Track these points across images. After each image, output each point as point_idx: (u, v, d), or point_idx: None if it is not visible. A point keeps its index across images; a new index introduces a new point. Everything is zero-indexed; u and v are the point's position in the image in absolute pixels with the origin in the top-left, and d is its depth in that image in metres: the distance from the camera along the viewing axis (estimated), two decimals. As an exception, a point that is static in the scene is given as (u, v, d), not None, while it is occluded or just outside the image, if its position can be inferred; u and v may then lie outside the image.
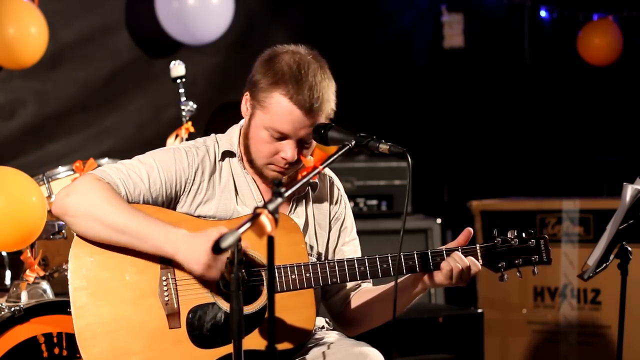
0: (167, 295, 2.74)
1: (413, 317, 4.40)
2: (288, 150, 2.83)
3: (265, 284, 2.78)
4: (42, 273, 3.63)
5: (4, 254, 4.06)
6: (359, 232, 3.13)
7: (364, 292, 3.02)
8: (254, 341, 2.74)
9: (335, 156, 2.68)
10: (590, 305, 5.12)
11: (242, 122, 2.98)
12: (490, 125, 6.83)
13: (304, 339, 2.84)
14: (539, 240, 2.91)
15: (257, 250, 2.77)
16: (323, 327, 3.06)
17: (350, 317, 3.03)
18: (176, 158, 2.87)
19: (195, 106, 4.26)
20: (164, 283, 2.75)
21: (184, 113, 4.25)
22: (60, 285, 3.69)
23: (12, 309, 3.12)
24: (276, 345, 2.25)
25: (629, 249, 3.33)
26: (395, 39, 6.58)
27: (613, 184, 4.97)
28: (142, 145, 3.56)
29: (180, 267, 2.72)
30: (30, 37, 4.66)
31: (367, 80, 6.37)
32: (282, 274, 2.77)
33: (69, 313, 2.78)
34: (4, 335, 3.07)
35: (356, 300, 3.02)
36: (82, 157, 3.89)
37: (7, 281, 4.02)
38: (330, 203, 3.05)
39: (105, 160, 3.97)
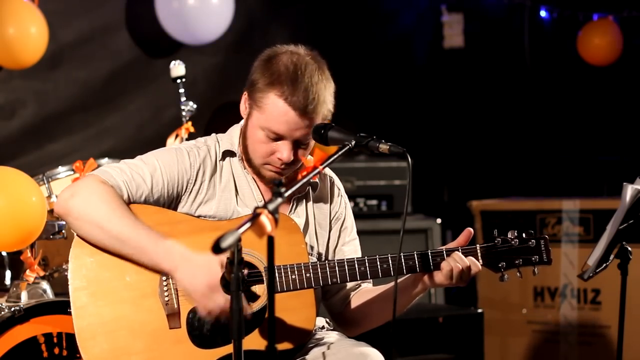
0: (167, 296, 2.74)
1: (413, 317, 4.40)
2: (284, 151, 2.83)
3: (265, 284, 2.78)
4: (42, 273, 3.63)
5: (4, 254, 4.06)
6: (359, 232, 3.13)
7: (364, 292, 3.02)
8: (254, 341, 2.73)
9: (335, 156, 2.68)
10: (590, 305, 5.12)
11: (242, 121, 2.98)
12: (490, 125, 6.83)
13: (304, 339, 2.84)
14: (539, 240, 2.91)
15: (257, 250, 2.77)
16: (323, 327, 3.05)
17: (350, 317, 3.03)
18: (178, 158, 2.87)
19: (195, 106, 4.26)
20: (164, 283, 2.75)
21: (184, 113, 4.25)
22: (60, 285, 3.69)
23: (12, 309, 3.12)
24: (276, 346, 2.25)
25: (629, 249, 3.33)
26: (395, 39, 6.57)
27: (613, 184, 4.97)
28: (142, 145, 3.56)
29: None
30: (30, 37, 4.66)
31: (367, 80, 6.37)
32: (282, 274, 2.77)
33: (69, 313, 2.78)
34: (4, 335, 3.07)
35: (356, 300, 3.02)
36: (82, 157, 3.89)
37: (7, 281, 4.02)
38: (331, 203, 3.05)
39: (105, 160, 3.97)
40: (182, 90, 4.22)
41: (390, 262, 2.82)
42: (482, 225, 5.34)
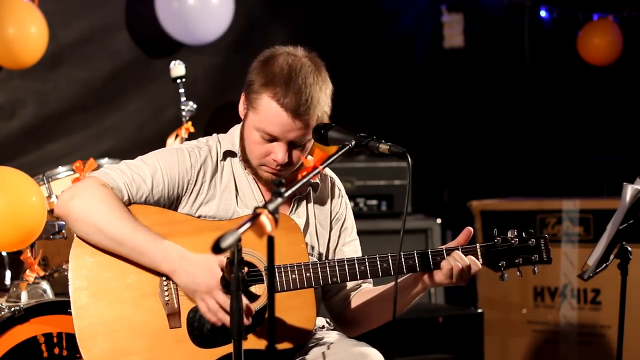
0: (167, 295, 2.74)
1: (413, 317, 4.40)
2: (279, 152, 2.83)
3: (265, 283, 2.79)
4: (42, 273, 3.63)
5: (4, 254, 4.06)
6: (359, 232, 3.13)
7: (364, 292, 3.02)
8: (254, 341, 2.74)
9: (335, 156, 2.67)
10: (590, 305, 5.12)
11: (242, 122, 2.99)
12: (490, 125, 6.83)
13: (304, 338, 2.83)
14: (539, 239, 2.91)
15: (257, 250, 2.77)
16: (323, 327, 3.06)
17: (350, 318, 3.03)
18: (179, 159, 2.88)
19: (195, 106, 4.26)
20: (165, 283, 2.75)
21: (184, 113, 4.25)
22: (60, 285, 3.69)
23: (12, 309, 3.12)
24: (276, 345, 2.25)
25: (629, 249, 3.33)
26: (395, 39, 6.58)
27: (613, 184, 4.97)
28: (142, 145, 3.57)
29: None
30: (30, 37, 4.66)
31: (367, 80, 6.37)
32: (282, 273, 2.77)
33: (69, 313, 2.78)
34: (4, 335, 3.07)
35: (356, 300, 3.02)
36: (82, 157, 3.89)
37: (7, 281, 4.02)
38: (331, 203, 3.05)
39: (105, 160, 3.98)
40: (182, 90, 4.22)
41: (391, 261, 2.82)
42: (482, 225, 5.34)
